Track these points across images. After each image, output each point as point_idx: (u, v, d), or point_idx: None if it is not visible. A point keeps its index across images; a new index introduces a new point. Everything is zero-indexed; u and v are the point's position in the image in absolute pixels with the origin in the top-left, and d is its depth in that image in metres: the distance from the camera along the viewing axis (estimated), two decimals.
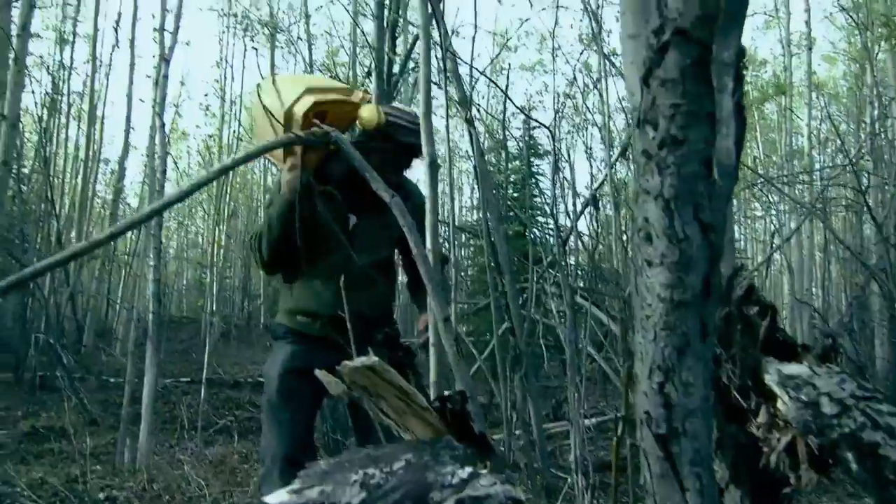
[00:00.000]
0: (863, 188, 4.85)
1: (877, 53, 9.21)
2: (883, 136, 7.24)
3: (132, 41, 11.05)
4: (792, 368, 0.90)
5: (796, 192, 9.52)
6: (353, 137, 2.02)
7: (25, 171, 9.05)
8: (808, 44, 11.38)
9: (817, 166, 10.51)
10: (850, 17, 9.33)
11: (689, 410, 0.59)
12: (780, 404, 0.86)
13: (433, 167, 1.09)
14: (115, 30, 11.29)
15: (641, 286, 0.59)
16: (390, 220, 1.32)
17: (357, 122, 1.89)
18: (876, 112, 9.12)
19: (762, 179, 7.22)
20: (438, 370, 1.05)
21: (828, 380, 0.81)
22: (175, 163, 15.12)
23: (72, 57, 11.75)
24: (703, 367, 0.60)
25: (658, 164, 0.54)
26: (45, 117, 9.78)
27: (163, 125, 5.20)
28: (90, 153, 12.12)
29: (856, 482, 0.73)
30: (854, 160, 5.23)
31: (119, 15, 11.71)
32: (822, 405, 0.77)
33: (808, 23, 11.27)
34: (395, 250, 2.13)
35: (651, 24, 0.53)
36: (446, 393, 0.78)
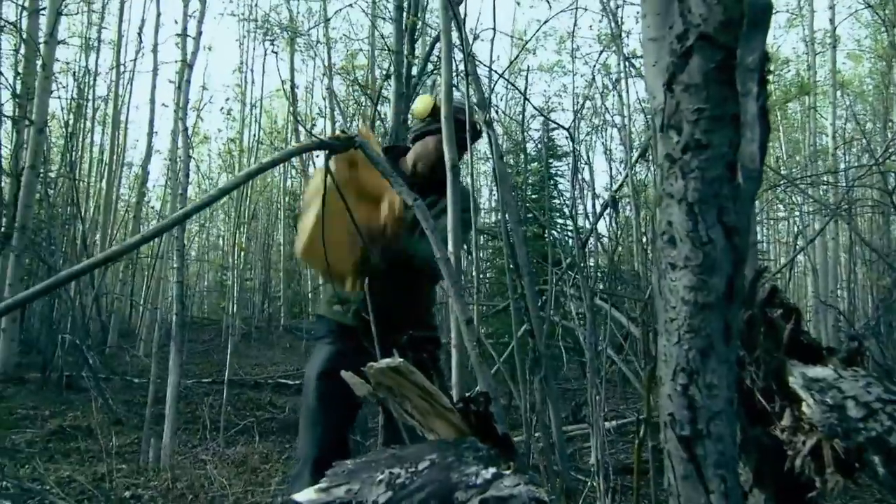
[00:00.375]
0: (890, 189, 4.76)
1: None
2: None
3: (155, 47, 11.24)
4: (817, 371, 0.89)
5: (820, 192, 9.37)
6: (413, 126, 2.14)
7: (52, 175, 9.25)
8: (833, 41, 11.20)
9: (842, 166, 10.33)
10: (877, 13, 9.17)
11: (713, 412, 0.59)
12: (804, 407, 0.85)
13: (455, 171, 1.10)
14: (139, 35, 11.50)
15: (665, 289, 0.59)
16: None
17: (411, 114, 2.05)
18: None
19: (785, 180, 7.12)
20: (461, 372, 1.06)
21: (853, 383, 0.81)
22: (197, 166, 15.34)
23: (97, 62, 11.98)
24: (727, 369, 0.60)
25: (682, 168, 0.54)
26: (71, 122, 9.98)
27: (185, 129, 5.29)
28: (114, 157, 12.35)
29: (882, 487, 0.72)
30: (881, 160, 5.13)
31: (143, 21, 11.90)
32: (848, 408, 0.76)
33: (832, 20, 11.09)
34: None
35: (675, 30, 0.53)
36: (469, 394, 0.79)
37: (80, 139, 11.58)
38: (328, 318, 2.09)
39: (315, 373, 2.00)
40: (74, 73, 11.25)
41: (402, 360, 0.78)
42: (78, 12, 11.08)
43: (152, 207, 15.04)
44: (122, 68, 12.18)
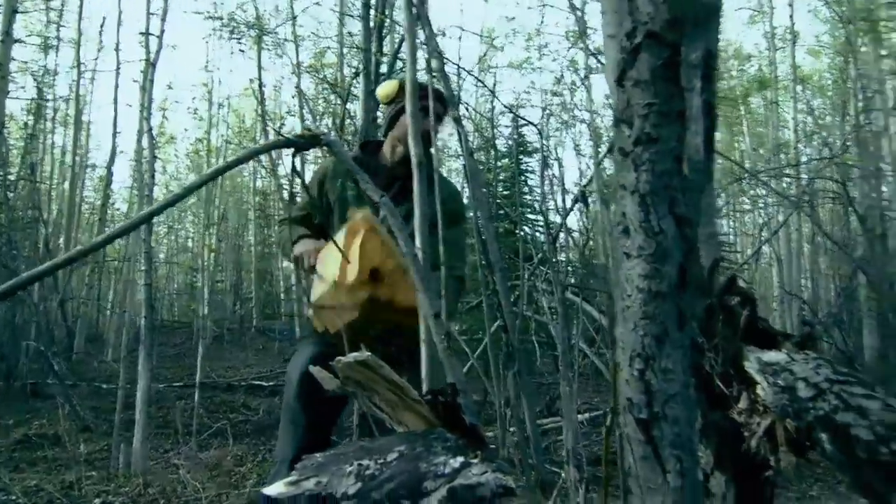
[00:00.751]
0: (845, 181, 4.92)
1: (860, 46, 9.31)
2: (867, 128, 7.33)
3: (117, 45, 10.99)
4: (771, 356, 0.93)
5: (783, 185, 9.61)
6: (383, 115, 2.14)
7: (12, 177, 9.00)
8: (793, 38, 11.50)
9: (804, 159, 10.60)
10: (834, 10, 9.43)
11: (669, 396, 0.62)
12: (759, 390, 0.89)
13: (420, 168, 1.11)
14: (100, 34, 11.25)
15: (621, 278, 0.62)
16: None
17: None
18: (860, 104, 9.22)
19: (749, 174, 7.30)
20: (431, 366, 1.07)
21: (804, 365, 0.84)
22: (164, 167, 15.07)
23: (56, 62, 11.70)
24: (681, 354, 0.62)
25: (634, 160, 0.56)
26: (30, 123, 9.73)
27: (150, 129, 5.20)
28: (77, 158, 12.06)
29: (830, 463, 0.76)
30: (838, 153, 5.30)
31: (103, 19, 11.66)
32: (799, 389, 0.80)
33: (791, 17, 11.39)
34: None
35: (624, 27, 0.55)
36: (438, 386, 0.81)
37: (41, 140, 11.30)
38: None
39: (298, 372, 1.96)
40: (33, 72, 10.96)
41: (369, 353, 0.79)
42: (35, 10, 10.79)
43: (118, 209, 14.75)
44: (82, 67, 11.89)
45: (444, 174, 2.50)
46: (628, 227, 0.59)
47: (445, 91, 2.61)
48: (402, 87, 2.06)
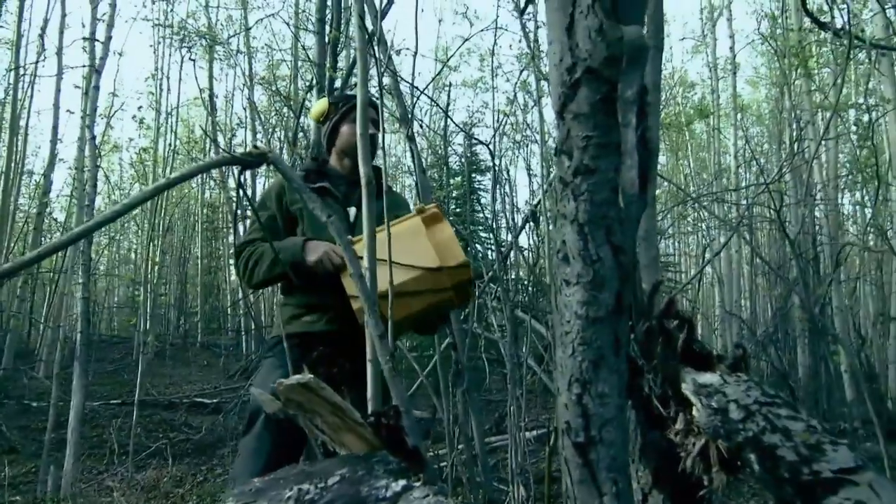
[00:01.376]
0: (778, 207, 5.17)
1: (794, 79, 9.82)
2: (799, 157, 7.73)
3: (60, 49, 10.59)
4: (706, 377, 0.96)
5: (724, 208, 10.01)
6: (322, 131, 2.17)
7: None
8: (733, 68, 12.07)
9: (743, 184, 11.08)
10: (770, 43, 9.94)
11: (605, 420, 0.63)
12: (694, 411, 0.91)
13: (370, 186, 1.11)
14: (41, 37, 10.83)
15: (561, 304, 0.63)
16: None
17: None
18: (794, 134, 9.71)
19: (691, 198, 7.57)
20: (376, 385, 1.06)
21: (736, 387, 0.88)
22: (106, 176, 14.54)
23: None
24: (617, 379, 0.64)
25: (573, 190, 0.58)
26: None
27: (93, 137, 5.03)
28: (12, 165, 11.51)
29: (758, 482, 0.79)
30: (773, 180, 5.56)
31: (45, 22, 11.18)
32: (730, 411, 0.83)
33: (732, 48, 11.97)
34: None
35: (564, 62, 0.57)
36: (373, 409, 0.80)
37: None
38: (281, 335, 1.94)
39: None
40: None
41: (311, 375, 0.78)
42: None
43: (55, 219, 14.10)
44: (21, 71, 11.39)
45: (397, 191, 2.53)
46: (568, 254, 0.61)
47: (399, 110, 2.64)
48: (332, 105, 2.11)
